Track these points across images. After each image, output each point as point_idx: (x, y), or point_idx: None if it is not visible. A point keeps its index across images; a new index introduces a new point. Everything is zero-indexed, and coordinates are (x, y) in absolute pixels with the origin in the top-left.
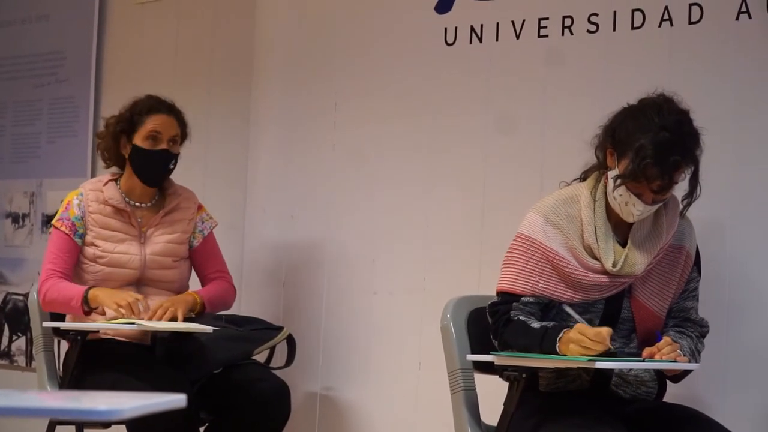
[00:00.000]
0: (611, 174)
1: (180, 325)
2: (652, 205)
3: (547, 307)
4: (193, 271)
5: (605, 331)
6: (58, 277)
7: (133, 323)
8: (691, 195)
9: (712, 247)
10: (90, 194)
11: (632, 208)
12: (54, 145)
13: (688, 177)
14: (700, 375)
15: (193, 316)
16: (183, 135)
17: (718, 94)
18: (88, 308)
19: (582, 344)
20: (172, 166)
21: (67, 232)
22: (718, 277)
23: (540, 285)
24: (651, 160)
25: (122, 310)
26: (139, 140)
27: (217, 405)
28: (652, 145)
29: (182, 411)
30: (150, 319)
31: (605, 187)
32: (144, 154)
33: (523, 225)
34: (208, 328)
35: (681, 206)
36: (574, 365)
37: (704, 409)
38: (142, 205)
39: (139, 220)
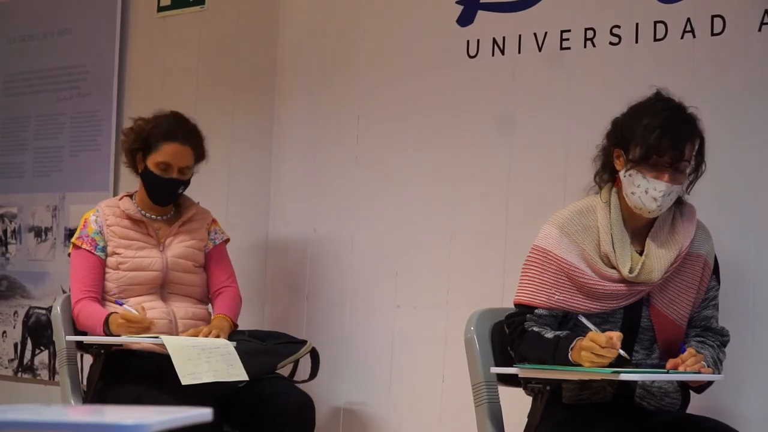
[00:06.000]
0: (623, 172)
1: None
2: (671, 183)
3: (564, 320)
4: None
5: (615, 336)
6: (87, 298)
7: (157, 337)
8: (697, 170)
9: (736, 255)
10: (106, 209)
11: (653, 192)
12: (77, 158)
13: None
14: (723, 385)
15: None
16: (199, 158)
17: (742, 105)
18: (110, 333)
19: (594, 351)
20: (181, 191)
21: (87, 248)
22: (743, 286)
23: (556, 297)
24: (660, 131)
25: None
26: (151, 164)
27: (241, 419)
28: (659, 120)
29: (206, 425)
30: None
31: (618, 193)
32: (154, 179)
33: (539, 237)
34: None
35: (687, 182)
36: (599, 377)
37: (726, 418)
38: (158, 218)
39: (157, 231)
